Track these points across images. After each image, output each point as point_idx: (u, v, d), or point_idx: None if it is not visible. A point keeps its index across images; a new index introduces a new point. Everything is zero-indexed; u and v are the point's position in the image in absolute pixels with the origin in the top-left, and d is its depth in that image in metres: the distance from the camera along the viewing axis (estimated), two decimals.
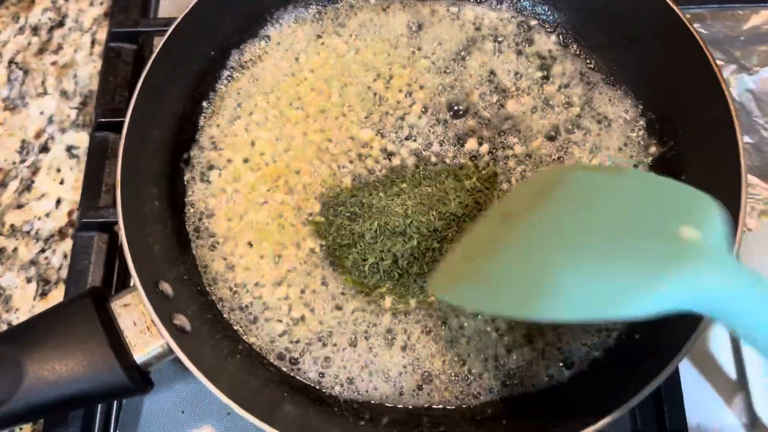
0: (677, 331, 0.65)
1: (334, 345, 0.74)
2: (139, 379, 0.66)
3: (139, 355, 0.66)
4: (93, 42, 1.03)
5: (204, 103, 0.85)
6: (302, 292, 0.77)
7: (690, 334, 0.63)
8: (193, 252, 0.78)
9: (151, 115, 0.77)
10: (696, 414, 0.81)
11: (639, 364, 0.69)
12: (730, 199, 0.65)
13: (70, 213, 0.93)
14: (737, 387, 0.84)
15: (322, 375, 0.74)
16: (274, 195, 0.80)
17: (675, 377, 0.77)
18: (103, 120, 0.88)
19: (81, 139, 0.97)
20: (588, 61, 0.85)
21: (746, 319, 0.45)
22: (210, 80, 0.86)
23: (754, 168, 0.87)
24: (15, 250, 0.90)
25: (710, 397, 0.84)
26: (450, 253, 0.69)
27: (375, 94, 0.85)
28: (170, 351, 0.66)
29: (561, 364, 0.73)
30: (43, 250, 0.90)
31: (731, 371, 0.85)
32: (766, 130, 0.91)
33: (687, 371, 0.84)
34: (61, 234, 0.91)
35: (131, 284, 0.68)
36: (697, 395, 0.83)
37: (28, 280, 0.89)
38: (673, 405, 0.75)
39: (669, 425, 0.75)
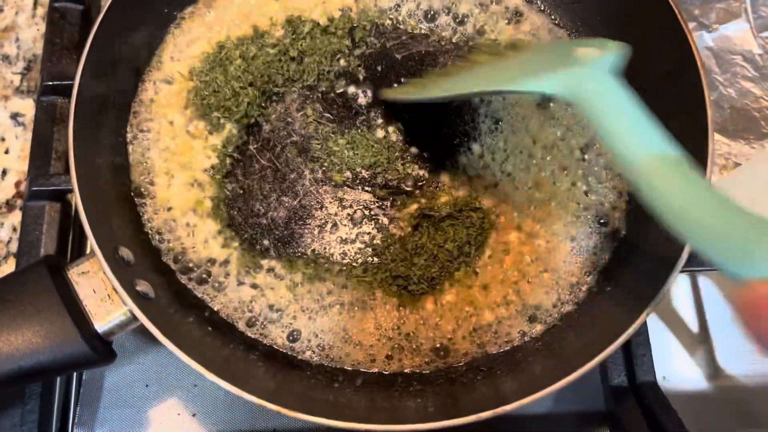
0: (646, 285, 0.65)
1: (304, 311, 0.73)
2: (102, 349, 0.63)
3: (100, 324, 0.63)
4: (35, 3, 0.97)
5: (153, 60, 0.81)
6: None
7: (659, 288, 0.63)
8: (144, 215, 0.74)
9: (101, 75, 0.73)
10: (662, 367, 0.82)
11: (609, 317, 0.69)
12: (698, 152, 0.66)
13: (17, 184, 0.88)
14: (700, 339, 0.86)
15: (292, 340, 0.72)
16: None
17: (643, 331, 0.77)
18: (49, 84, 0.84)
19: (26, 106, 0.91)
20: (553, 17, 0.84)
21: (595, 106, 0.58)
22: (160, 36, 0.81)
23: (714, 124, 0.88)
24: None
25: (675, 350, 0.85)
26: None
27: None
28: (133, 319, 0.63)
29: (533, 320, 0.73)
30: None
31: (694, 325, 0.87)
32: (725, 86, 0.92)
33: (654, 326, 0.85)
34: (9, 206, 0.87)
35: (88, 252, 0.65)
36: (663, 349, 0.85)
37: None
38: (642, 358, 0.76)
39: (639, 377, 0.76)
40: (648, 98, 0.55)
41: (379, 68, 0.83)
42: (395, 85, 0.82)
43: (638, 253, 0.72)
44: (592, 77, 0.58)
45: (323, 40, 0.82)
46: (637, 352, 0.77)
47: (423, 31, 0.84)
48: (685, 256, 0.63)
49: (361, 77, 0.82)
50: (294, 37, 0.81)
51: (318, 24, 0.82)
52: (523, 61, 0.71)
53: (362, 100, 0.81)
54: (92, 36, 0.70)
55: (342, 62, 0.82)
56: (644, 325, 0.77)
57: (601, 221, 0.76)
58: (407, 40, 0.84)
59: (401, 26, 0.84)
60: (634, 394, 0.75)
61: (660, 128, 0.55)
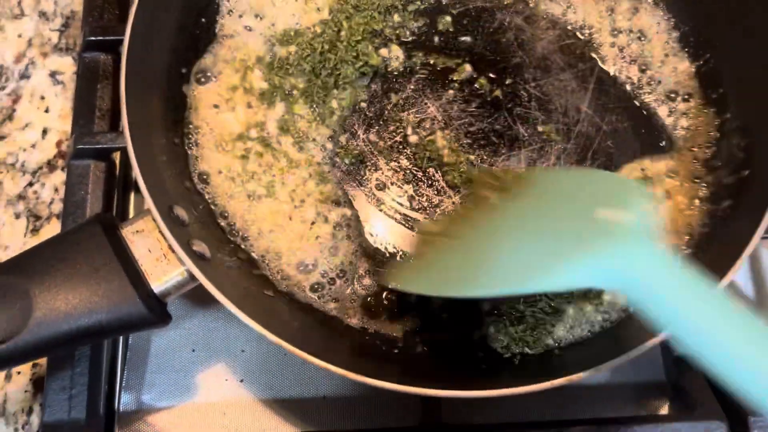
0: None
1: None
2: (158, 310, 0.61)
3: (157, 285, 0.61)
4: None
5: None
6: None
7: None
8: (197, 174, 0.72)
9: (151, 28, 0.70)
10: None
11: None
12: None
13: (58, 144, 0.85)
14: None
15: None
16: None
17: None
18: (92, 39, 0.81)
19: (65, 64, 0.89)
20: None
21: (651, 300, 0.45)
22: None
23: None
24: (0, 184, 0.83)
25: None
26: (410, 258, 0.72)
27: None
28: (190, 279, 0.61)
29: None
30: (31, 184, 0.83)
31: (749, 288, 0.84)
32: None
33: None
34: (50, 166, 0.84)
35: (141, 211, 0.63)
36: None
37: (17, 216, 0.82)
38: None
39: None
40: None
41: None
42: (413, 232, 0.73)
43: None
44: (626, 252, 0.46)
45: None
46: None
47: None
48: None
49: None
50: None
51: None
52: (535, 224, 0.56)
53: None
54: None
55: (396, 18, 0.79)
56: None
57: None
58: None
59: None
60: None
61: None
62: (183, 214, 0.65)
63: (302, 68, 0.76)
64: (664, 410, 0.76)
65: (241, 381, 0.77)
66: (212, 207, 0.72)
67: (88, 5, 0.83)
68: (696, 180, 0.73)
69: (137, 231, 0.62)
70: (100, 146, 0.76)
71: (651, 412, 0.76)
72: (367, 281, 0.71)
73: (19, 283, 0.57)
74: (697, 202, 0.72)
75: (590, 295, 0.67)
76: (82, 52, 0.81)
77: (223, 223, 0.71)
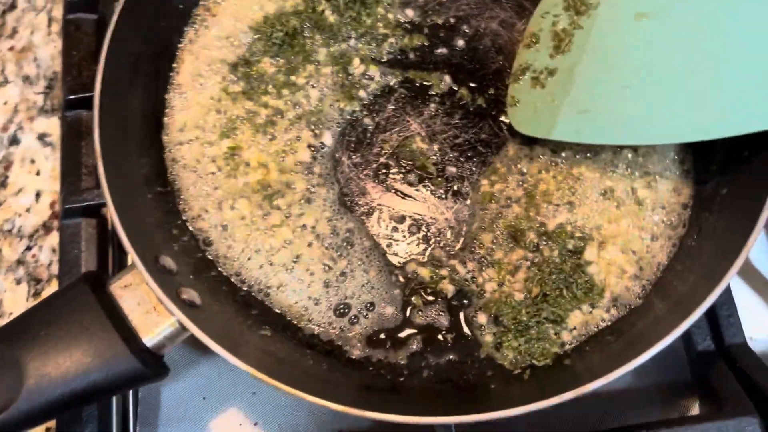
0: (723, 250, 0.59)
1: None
2: (153, 363, 0.60)
3: (149, 338, 0.60)
4: (50, 20, 0.95)
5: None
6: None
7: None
8: (184, 215, 0.71)
9: (122, 80, 0.70)
10: (748, 328, 0.76)
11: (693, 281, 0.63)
12: None
13: (52, 204, 0.85)
14: None
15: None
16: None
17: (726, 291, 0.71)
18: (72, 97, 0.81)
19: (52, 125, 0.89)
20: None
21: None
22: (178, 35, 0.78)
23: None
24: None
25: (760, 309, 0.79)
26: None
27: None
28: (182, 329, 0.60)
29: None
30: (29, 248, 0.83)
31: None
32: None
33: (738, 287, 0.79)
34: (46, 228, 0.84)
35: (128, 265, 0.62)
36: (747, 309, 0.78)
37: (18, 282, 0.82)
38: (728, 319, 0.70)
39: (727, 339, 0.70)
40: None
41: None
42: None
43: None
44: None
45: None
46: (721, 313, 0.71)
47: None
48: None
49: None
50: None
51: None
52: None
53: None
54: (107, 41, 0.67)
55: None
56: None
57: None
58: None
59: None
60: (723, 357, 0.69)
61: None
62: (170, 263, 0.64)
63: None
64: (695, 410, 0.72)
65: (255, 424, 0.76)
66: (205, 249, 0.71)
67: (66, 64, 0.84)
68: None
69: (125, 285, 0.62)
70: (88, 203, 0.76)
71: (680, 413, 0.72)
72: (365, 313, 0.69)
73: (9, 353, 0.56)
74: None
75: (591, 295, 0.64)
76: (64, 111, 0.82)
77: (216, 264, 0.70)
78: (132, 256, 0.60)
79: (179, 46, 0.78)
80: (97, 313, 0.59)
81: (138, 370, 0.58)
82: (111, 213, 0.61)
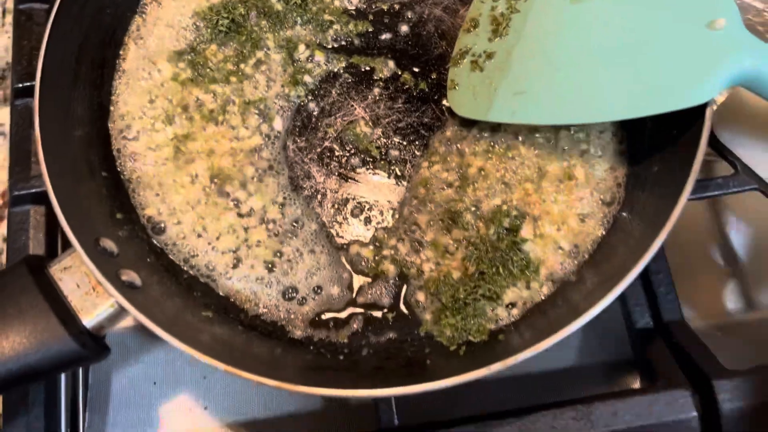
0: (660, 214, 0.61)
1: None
2: (92, 345, 0.60)
3: (88, 319, 0.61)
4: (4, 11, 0.95)
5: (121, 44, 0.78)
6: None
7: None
8: (132, 200, 0.71)
9: (65, 67, 0.70)
10: (689, 305, 0.77)
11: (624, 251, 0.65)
12: None
13: (3, 194, 0.86)
14: (729, 273, 0.81)
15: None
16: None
17: (663, 268, 0.73)
18: (20, 86, 0.81)
19: (4, 115, 0.89)
20: None
21: None
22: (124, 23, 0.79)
23: None
24: None
25: (702, 286, 0.81)
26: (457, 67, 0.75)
27: None
28: (122, 310, 0.61)
29: None
30: None
31: (719, 259, 0.82)
32: None
33: (675, 262, 0.80)
34: None
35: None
36: (688, 286, 0.79)
37: None
38: (666, 296, 0.72)
39: (664, 317, 0.71)
40: None
41: None
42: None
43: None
44: (751, 53, 0.56)
45: None
46: (659, 290, 0.72)
47: None
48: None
49: None
50: None
51: None
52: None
53: None
54: (48, 30, 0.68)
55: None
56: (664, 261, 0.73)
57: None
58: None
59: None
60: (661, 334, 0.71)
61: None
62: (111, 246, 0.65)
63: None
64: (636, 385, 0.74)
65: (205, 408, 0.76)
66: (151, 234, 0.71)
67: (16, 53, 0.84)
68: None
69: (65, 268, 0.62)
70: (36, 190, 0.76)
71: (622, 388, 0.74)
72: (313, 295, 0.69)
73: None
74: None
75: (527, 272, 0.65)
76: (14, 100, 0.82)
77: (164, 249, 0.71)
78: (70, 238, 0.60)
79: (126, 34, 0.78)
80: (35, 295, 0.59)
81: (76, 351, 0.59)
82: (50, 194, 0.62)
